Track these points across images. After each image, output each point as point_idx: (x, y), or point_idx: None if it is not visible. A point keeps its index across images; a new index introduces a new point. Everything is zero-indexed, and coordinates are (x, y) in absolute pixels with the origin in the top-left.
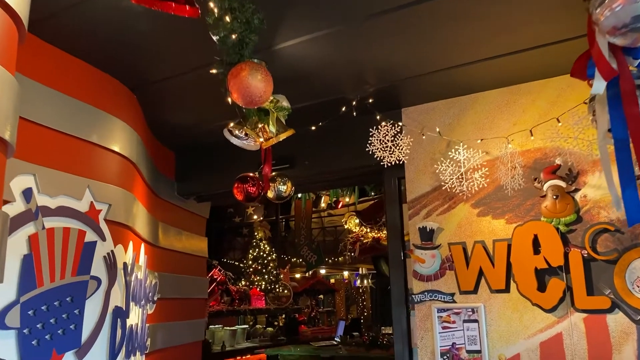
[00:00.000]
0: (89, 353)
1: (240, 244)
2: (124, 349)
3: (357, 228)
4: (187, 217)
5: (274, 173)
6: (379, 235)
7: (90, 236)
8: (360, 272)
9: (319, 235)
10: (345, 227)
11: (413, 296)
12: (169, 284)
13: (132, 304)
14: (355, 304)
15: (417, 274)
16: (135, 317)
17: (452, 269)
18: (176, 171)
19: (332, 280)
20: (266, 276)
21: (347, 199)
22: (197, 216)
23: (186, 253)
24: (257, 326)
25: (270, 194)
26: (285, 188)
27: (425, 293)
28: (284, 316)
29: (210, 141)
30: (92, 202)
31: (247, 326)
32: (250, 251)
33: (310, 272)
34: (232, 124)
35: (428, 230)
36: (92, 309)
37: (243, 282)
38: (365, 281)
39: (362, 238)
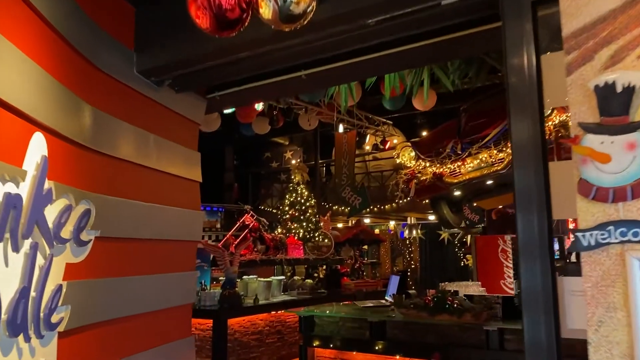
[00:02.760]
0: None
1: (277, 191)
2: None
3: (413, 162)
4: (163, 117)
5: None
6: (441, 170)
7: None
8: (408, 221)
9: (362, 180)
10: (398, 161)
11: (579, 235)
12: (121, 216)
13: None
14: (401, 256)
15: (588, 188)
16: None
17: None
18: (137, 37)
19: (377, 231)
20: (304, 223)
21: (395, 140)
22: (182, 118)
23: (160, 171)
24: (295, 277)
25: (265, 10)
26: None
27: (610, 228)
28: (324, 267)
29: None
30: None
31: (283, 277)
32: (287, 196)
33: (354, 221)
34: None
35: (618, 90)
36: None
37: (279, 230)
38: (414, 232)
39: (418, 175)
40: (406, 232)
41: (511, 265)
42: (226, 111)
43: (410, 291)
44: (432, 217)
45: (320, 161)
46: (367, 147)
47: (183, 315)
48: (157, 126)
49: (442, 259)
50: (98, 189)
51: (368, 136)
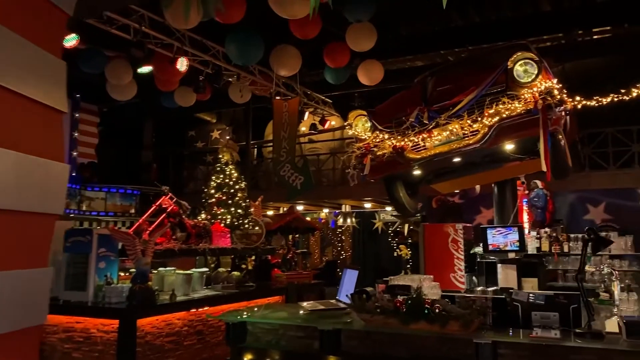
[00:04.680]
0: None
1: (202, 173)
2: None
3: (369, 134)
4: None
5: None
6: (402, 144)
7: None
8: (342, 209)
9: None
10: (350, 132)
11: None
12: None
13: None
14: (330, 245)
15: None
16: None
17: None
18: None
19: (308, 219)
20: (233, 209)
21: (333, 122)
22: None
23: None
24: (220, 269)
25: None
26: None
27: None
28: (253, 258)
29: None
30: None
31: (207, 269)
32: (213, 177)
33: (285, 208)
34: None
35: None
36: None
37: (203, 216)
38: (348, 220)
39: (374, 149)
40: (340, 220)
41: (462, 257)
42: (141, 70)
43: (368, 289)
44: (367, 205)
45: (252, 142)
46: (303, 128)
47: (22, 348)
48: None
49: (375, 249)
50: None
51: (307, 114)
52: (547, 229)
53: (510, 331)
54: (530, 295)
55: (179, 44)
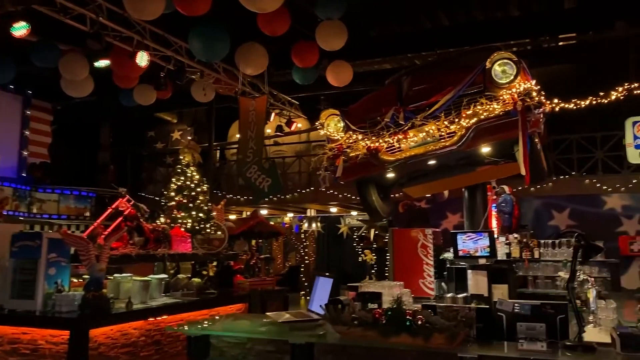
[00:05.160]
0: None
1: (162, 176)
2: None
3: (342, 134)
4: None
5: None
6: (376, 145)
7: None
8: (308, 213)
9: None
10: (322, 132)
11: None
12: None
13: None
14: (294, 251)
15: None
16: None
17: None
18: None
19: (272, 223)
20: (194, 212)
21: (299, 125)
22: None
23: None
24: (180, 276)
25: None
26: None
27: None
28: (215, 264)
29: None
30: None
31: (165, 276)
32: (174, 180)
33: (249, 212)
34: None
35: None
36: None
37: (162, 220)
38: (313, 224)
39: (347, 150)
40: (305, 225)
41: (432, 263)
42: (98, 65)
43: (342, 298)
44: (333, 210)
45: (215, 143)
46: (269, 130)
47: None
48: None
49: (339, 254)
50: None
51: (273, 115)
52: (516, 235)
53: (495, 343)
54: (516, 305)
55: (139, 37)
